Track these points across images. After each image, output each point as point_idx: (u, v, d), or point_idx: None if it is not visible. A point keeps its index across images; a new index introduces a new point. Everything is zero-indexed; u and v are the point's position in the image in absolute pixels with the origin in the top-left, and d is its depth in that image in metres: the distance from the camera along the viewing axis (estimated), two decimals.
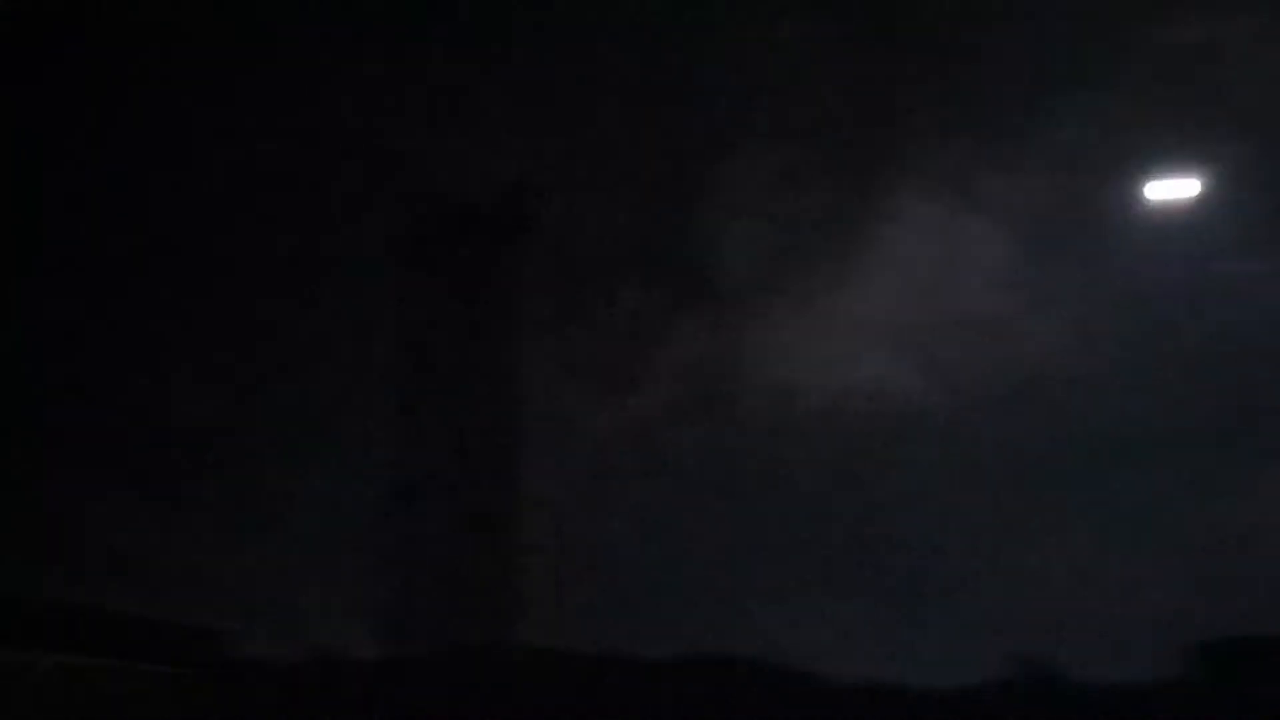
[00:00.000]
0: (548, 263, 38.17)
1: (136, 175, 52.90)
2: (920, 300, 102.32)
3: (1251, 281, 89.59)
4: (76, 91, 51.01)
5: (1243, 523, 76.91)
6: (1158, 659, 41.60)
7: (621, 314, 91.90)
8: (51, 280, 51.18)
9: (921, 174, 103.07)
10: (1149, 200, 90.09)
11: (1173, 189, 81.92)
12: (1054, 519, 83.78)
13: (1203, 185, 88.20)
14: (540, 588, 34.08)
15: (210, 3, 56.57)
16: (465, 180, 41.65)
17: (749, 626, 62.29)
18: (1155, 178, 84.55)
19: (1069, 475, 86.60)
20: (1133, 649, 50.21)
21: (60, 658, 23.46)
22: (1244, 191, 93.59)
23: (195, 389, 51.44)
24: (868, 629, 66.14)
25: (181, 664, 27.09)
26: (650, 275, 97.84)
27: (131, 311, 52.23)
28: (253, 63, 53.41)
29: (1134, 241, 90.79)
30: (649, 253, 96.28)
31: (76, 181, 53.04)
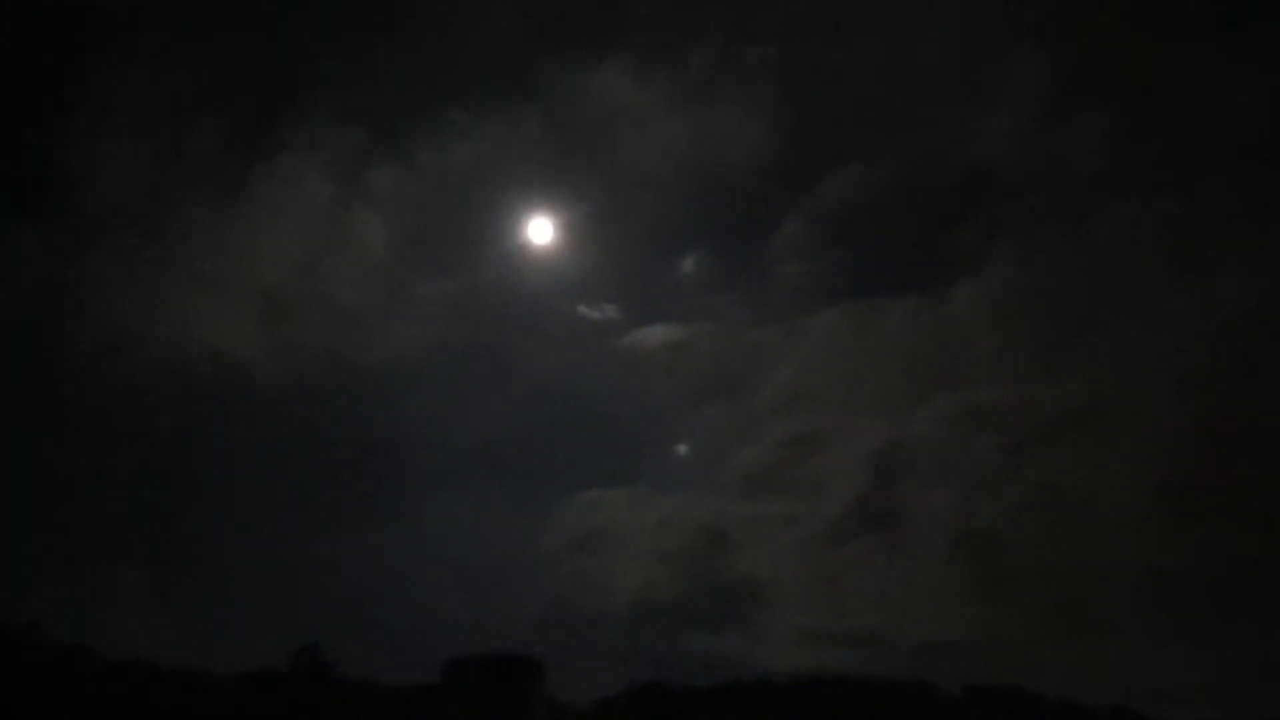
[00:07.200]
0: None
1: None
2: (290, 275, 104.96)
3: (593, 325, 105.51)
4: None
5: (534, 550, 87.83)
6: (419, 664, 48.26)
7: None
8: None
9: (310, 151, 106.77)
10: (522, 230, 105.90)
11: (542, 228, 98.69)
12: (357, 520, 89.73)
13: (569, 229, 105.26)
14: None
15: None
16: None
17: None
18: (532, 211, 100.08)
19: (383, 479, 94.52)
20: (401, 651, 56.41)
21: None
22: (605, 244, 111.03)
23: None
24: (149, 604, 65.80)
25: None
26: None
27: None
28: None
29: (498, 265, 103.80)
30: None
31: None
